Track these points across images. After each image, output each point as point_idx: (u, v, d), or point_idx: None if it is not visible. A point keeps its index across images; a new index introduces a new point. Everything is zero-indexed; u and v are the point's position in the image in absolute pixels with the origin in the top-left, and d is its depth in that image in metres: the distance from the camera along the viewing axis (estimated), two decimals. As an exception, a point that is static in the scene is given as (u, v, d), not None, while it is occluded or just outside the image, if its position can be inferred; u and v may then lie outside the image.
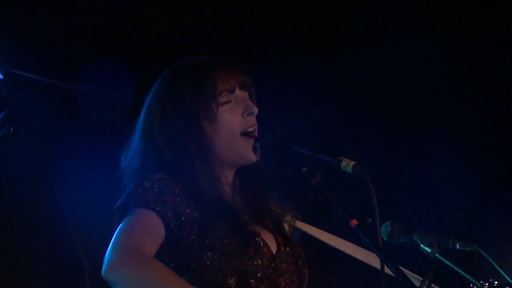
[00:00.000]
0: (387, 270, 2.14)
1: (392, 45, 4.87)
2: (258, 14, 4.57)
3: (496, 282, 3.10)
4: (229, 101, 2.36)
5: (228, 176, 2.39)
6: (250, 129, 2.36)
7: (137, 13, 4.49)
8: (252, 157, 2.36)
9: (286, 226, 2.51)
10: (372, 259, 2.92)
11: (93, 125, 5.10)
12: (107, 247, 2.15)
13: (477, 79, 4.82)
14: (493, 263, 3.24)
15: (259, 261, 2.23)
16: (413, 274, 2.94)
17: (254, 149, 2.35)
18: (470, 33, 4.71)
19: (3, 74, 4.74)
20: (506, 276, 3.26)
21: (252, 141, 2.35)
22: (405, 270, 2.12)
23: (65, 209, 5.15)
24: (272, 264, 2.27)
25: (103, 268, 2.07)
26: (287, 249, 2.36)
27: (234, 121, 2.34)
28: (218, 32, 4.66)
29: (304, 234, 2.72)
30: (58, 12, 4.41)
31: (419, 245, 3.28)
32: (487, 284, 3.06)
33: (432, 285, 3.00)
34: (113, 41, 4.75)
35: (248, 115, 2.36)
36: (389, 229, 3.30)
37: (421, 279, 2.99)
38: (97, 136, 5.10)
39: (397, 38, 4.82)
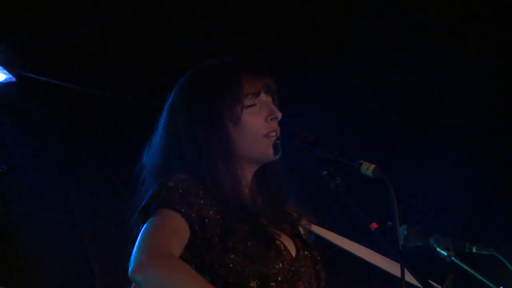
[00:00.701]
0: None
1: (403, 52, 4.87)
2: (276, 18, 4.57)
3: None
4: (254, 105, 2.36)
5: (248, 178, 2.40)
6: (272, 134, 2.37)
7: (150, 16, 4.49)
8: (271, 154, 2.36)
9: (301, 229, 2.52)
10: (387, 265, 2.92)
11: (105, 129, 5.10)
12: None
13: (483, 82, 4.81)
14: (510, 266, 3.23)
15: (280, 265, 2.24)
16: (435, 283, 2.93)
17: (275, 146, 2.36)
18: (474, 38, 4.71)
19: (15, 76, 4.75)
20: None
21: (274, 138, 2.35)
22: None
23: (76, 213, 5.16)
24: (292, 268, 2.28)
25: (130, 267, 2.08)
26: (306, 252, 2.37)
27: (257, 124, 2.35)
28: (234, 36, 4.65)
29: (319, 237, 2.71)
30: (70, 15, 4.40)
31: (435, 249, 3.28)
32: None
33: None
34: (125, 44, 4.75)
35: (271, 119, 2.37)
36: (406, 232, 3.31)
37: (437, 285, 2.99)
38: (108, 139, 5.11)
39: (409, 45, 4.82)
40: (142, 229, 2.17)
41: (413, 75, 4.83)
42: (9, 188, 4.83)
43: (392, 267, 2.77)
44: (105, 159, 5.06)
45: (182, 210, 2.18)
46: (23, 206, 4.91)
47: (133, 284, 2.20)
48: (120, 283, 2.52)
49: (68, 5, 4.33)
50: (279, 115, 2.38)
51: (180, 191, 2.21)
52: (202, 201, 2.23)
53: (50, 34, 4.52)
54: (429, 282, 2.07)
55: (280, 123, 2.39)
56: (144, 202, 2.24)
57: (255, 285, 2.18)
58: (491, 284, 3.21)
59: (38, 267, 5.09)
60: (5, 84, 4.80)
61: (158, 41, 4.73)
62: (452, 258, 3.23)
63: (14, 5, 4.27)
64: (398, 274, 2.18)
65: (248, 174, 2.40)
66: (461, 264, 3.24)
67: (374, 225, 2.17)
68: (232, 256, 2.18)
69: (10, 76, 4.76)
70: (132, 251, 2.13)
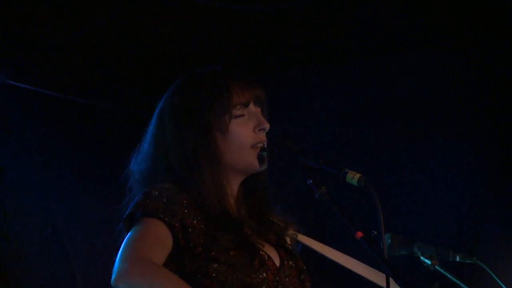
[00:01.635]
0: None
1: (395, 59, 4.90)
2: (264, 26, 4.57)
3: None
4: (242, 115, 2.36)
5: (233, 188, 2.39)
6: (259, 145, 2.36)
7: (136, 23, 4.49)
8: (257, 165, 2.35)
9: (288, 239, 2.51)
10: (374, 276, 2.91)
11: (89, 138, 5.08)
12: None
13: (478, 91, 4.83)
14: (493, 275, 3.24)
15: (264, 274, 2.23)
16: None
17: (261, 158, 2.35)
18: (469, 46, 4.74)
19: (-2, 83, 4.75)
20: None
21: (259, 149, 2.35)
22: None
23: (59, 220, 5.14)
24: (277, 278, 2.27)
25: (112, 276, 2.07)
26: (290, 262, 2.36)
27: (245, 135, 2.34)
28: (223, 45, 4.65)
29: (305, 247, 2.71)
30: (55, 22, 4.39)
31: (419, 257, 3.28)
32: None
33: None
34: (109, 51, 4.74)
35: (259, 130, 2.36)
36: (389, 241, 3.31)
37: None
38: (93, 149, 5.09)
39: (400, 53, 4.85)
40: (126, 238, 2.17)
41: (402, 82, 4.85)
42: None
43: (378, 278, 2.76)
44: (87, 166, 5.05)
45: (166, 219, 2.18)
46: (2, 213, 4.88)
47: None
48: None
49: (51, 13, 4.31)
50: (267, 126, 2.37)
51: (164, 200, 2.21)
52: (186, 211, 2.22)
53: (33, 41, 4.51)
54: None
55: (267, 133, 2.39)
56: (128, 211, 2.24)
57: None
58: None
59: (19, 274, 5.05)
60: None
61: (144, 48, 4.72)
62: (436, 267, 3.23)
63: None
64: (384, 284, 2.18)
65: (234, 184, 2.39)
66: (445, 273, 3.24)
67: (359, 234, 2.16)
68: (215, 265, 2.17)
69: (-7, 83, 4.77)
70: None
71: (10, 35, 4.48)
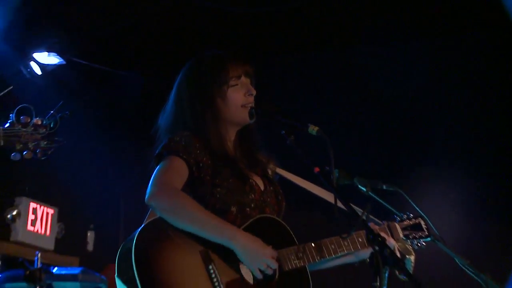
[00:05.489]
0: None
1: (393, 46, 4.45)
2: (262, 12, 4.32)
3: (411, 215, 3.12)
4: (236, 84, 2.43)
5: (231, 135, 2.47)
6: (248, 105, 2.43)
7: (168, 17, 4.40)
8: (248, 119, 2.43)
9: (269, 171, 2.58)
10: (327, 196, 2.97)
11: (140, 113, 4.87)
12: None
13: (476, 80, 4.31)
14: (410, 201, 3.26)
15: (253, 196, 2.34)
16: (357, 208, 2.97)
17: (250, 114, 2.42)
18: (470, 33, 4.23)
19: (65, 60, 4.73)
20: (419, 210, 3.29)
21: (248, 109, 2.42)
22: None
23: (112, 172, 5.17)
24: (261, 198, 2.37)
25: (146, 196, 2.19)
26: (271, 188, 2.46)
27: (238, 98, 2.42)
28: (221, 33, 4.53)
29: (281, 177, 2.77)
30: (107, 14, 4.35)
31: (357, 186, 3.31)
32: (405, 216, 3.07)
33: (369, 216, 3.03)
34: (151, 35, 4.66)
35: (249, 95, 2.44)
36: (337, 174, 3.32)
37: (360, 210, 3.03)
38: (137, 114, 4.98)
39: (400, 39, 4.36)
40: (156, 170, 2.26)
41: (405, 68, 4.35)
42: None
43: (330, 198, 2.82)
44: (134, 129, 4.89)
45: (184, 157, 2.28)
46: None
47: (150, 209, 2.28)
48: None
49: (104, 7, 4.28)
50: (254, 92, 2.45)
51: (183, 143, 2.30)
52: (198, 151, 2.31)
53: (92, 28, 4.49)
54: (354, 209, 2.15)
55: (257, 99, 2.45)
56: (157, 151, 2.33)
57: (235, 210, 2.29)
58: (396, 211, 3.25)
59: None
60: (58, 66, 4.80)
61: (166, 33, 4.64)
62: (369, 192, 3.26)
63: (66, 8, 4.24)
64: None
65: (231, 133, 2.47)
66: (375, 197, 3.27)
67: (316, 169, 2.23)
68: (218, 189, 2.28)
69: (62, 60, 4.75)
70: None
71: (76, 24, 4.44)
